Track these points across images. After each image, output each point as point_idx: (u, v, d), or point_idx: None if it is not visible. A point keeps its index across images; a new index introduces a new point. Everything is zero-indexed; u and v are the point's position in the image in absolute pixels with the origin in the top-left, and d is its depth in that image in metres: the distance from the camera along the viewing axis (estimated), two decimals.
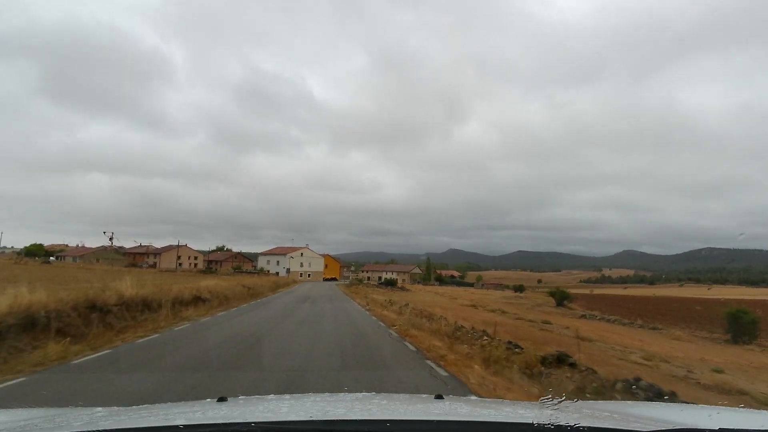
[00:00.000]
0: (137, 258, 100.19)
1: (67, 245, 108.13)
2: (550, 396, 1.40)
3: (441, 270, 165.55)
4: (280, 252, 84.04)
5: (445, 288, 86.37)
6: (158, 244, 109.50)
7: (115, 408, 1.77)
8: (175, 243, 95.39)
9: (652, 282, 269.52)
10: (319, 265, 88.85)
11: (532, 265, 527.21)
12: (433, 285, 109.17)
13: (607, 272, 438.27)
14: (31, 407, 1.88)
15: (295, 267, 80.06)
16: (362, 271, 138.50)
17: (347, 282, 79.27)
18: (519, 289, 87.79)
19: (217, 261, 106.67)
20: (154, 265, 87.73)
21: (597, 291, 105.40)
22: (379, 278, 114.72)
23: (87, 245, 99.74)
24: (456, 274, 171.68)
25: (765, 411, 1.71)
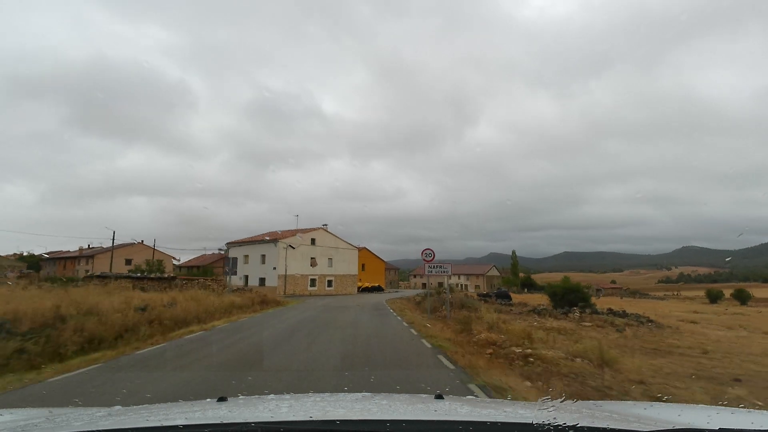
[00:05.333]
0: (69, 264, 65.11)
1: None
2: (549, 396, 1.39)
3: None
4: (272, 238, 42.05)
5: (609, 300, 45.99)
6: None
7: (115, 408, 1.72)
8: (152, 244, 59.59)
9: None
10: (349, 264, 49.00)
11: (580, 265, 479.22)
12: (525, 293, 72.10)
13: (675, 271, 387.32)
14: (31, 407, 1.84)
15: (296, 267, 40.78)
16: (413, 276, 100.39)
17: (410, 295, 40.69)
18: (740, 297, 45.86)
19: (196, 267, 70.64)
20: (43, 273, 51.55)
21: None
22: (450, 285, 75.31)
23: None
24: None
25: (765, 411, 1.63)
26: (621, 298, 70.67)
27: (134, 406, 1.73)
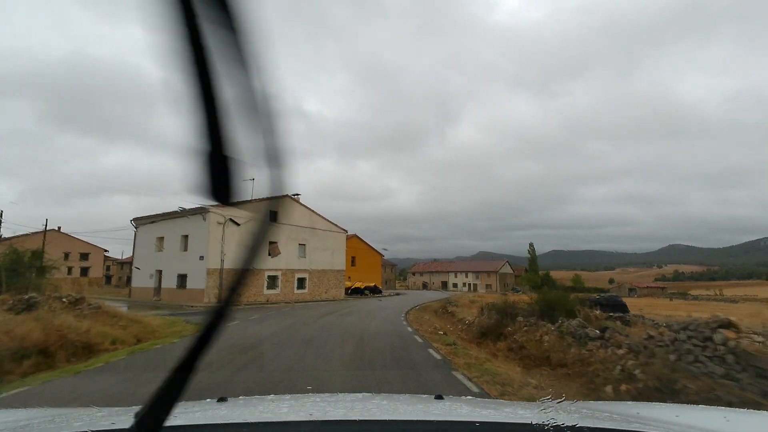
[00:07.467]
0: None
1: None
2: (550, 396, 1.40)
3: None
4: (199, 210, 23.39)
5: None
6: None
7: (115, 408, 1.74)
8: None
9: None
10: (333, 254, 33.83)
11: (569, 264, 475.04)
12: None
13: (667, 268, 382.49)
14: (31, 407, 1.85)
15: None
16: (411, 274, 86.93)
17: (430, 301, 26.72)
18: None
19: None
20: None
21: None
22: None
23: None
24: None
25: (765, 412, 1.60)
26: (671, 300, 57.51)
27: (135, 407, 1.54)
